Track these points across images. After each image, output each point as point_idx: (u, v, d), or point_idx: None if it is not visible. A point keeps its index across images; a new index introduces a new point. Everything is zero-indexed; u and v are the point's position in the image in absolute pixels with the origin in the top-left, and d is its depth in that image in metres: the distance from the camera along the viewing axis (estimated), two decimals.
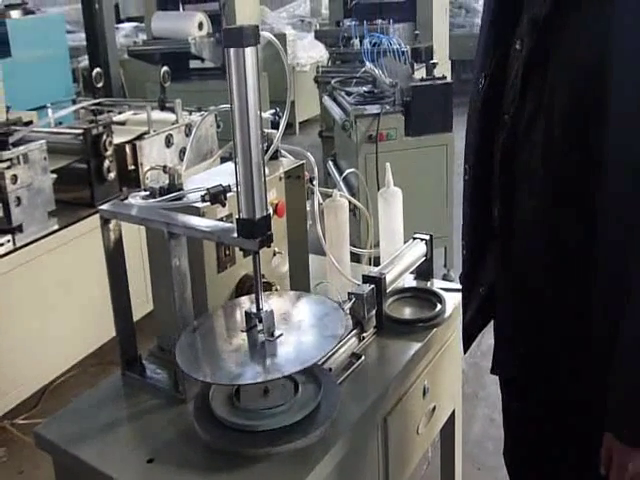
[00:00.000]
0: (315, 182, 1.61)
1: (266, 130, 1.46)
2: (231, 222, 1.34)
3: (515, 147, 1.21)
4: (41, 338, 2.75)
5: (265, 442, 1.17)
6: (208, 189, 1.25)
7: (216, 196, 1.23)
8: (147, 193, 1.38)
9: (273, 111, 1.58)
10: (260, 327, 1.25)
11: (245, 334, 1.26)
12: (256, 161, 1.11)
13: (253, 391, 1.25)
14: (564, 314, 1.21)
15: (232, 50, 1.10)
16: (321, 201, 1.65)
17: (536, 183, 1.18)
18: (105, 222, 1.36)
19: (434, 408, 1.58)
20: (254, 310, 1.25)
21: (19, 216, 2.66)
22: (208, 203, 1.29)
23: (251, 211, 1.12)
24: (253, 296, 1.28)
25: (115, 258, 1.38)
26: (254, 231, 1.12)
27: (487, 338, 2.95)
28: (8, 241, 2.63)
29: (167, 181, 1.39)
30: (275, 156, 1.56)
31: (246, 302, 1.35)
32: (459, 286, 1.67)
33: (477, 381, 2.87)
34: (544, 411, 1.30)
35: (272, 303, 1.28)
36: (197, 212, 1.30)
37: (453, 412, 1.76)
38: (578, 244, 1.16)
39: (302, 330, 1.28)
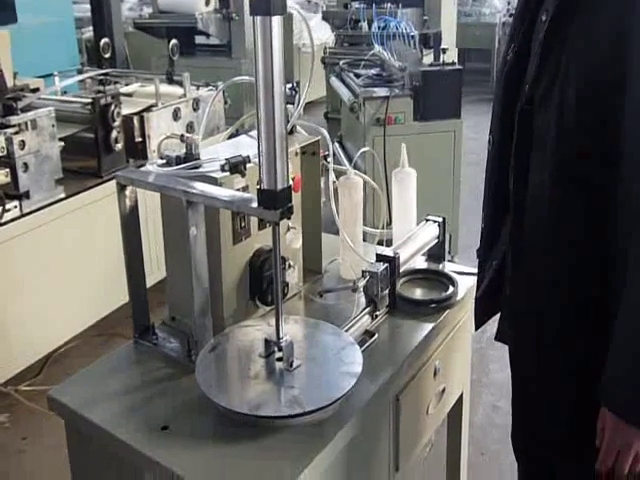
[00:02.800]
0: (330, 159, 1.61)
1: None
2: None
3: (532, 116, 1.24)
4: (46, 306, 2.76)
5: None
6: (227, 159, 1.24)
7: (236, 166, 1.22)
8: (163, 161, 1.37)
9: (290, 85, 1.57)
10: (278, 355, 1.26)
11: (263, 360, 1.27)
12: (279, 131, 1.10)
13: None
14: (567, 290, 1.23)
15: (259, 18, 1.09)
16: (334, 179, 1.65)
17: (549, 153, 1.20)
18: (122, 188, 1.35)
19: (444, 389, 1.59)
20: (274, 338, 1.26)
21: (26, 182, 2.66)
22: (227, 173, 1.28)
23: (272, 182, 1.11)
24: (271, 320, 1.30)
25: (131, 225, 1.38)
26: (275, 202, 1.12)
27: (493, 326, 2.96)
28: (15, 207, 2.63)
29: (184, 150, 1.38)
30: (291, 131, 1.55)
31: (262, 324, 1.37)
32: (471, 269, 1.69)
33: (482, 368, 2.88)
34: (546, 386, 1.32)
35: (289, 330, 1.28)
36: (214, 182, 1.30)
37: (461, 395, 1.76)
38: (585, 217, 1.19)
39: (319, 363, 1.29)
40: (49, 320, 2.78)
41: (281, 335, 1.25)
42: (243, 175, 1.25)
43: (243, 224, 1.41)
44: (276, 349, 1.26)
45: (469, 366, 1.80)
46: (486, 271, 1.44)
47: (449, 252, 3.71)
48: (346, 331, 1.39)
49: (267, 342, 1.27)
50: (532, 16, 1.27)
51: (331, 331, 1.37)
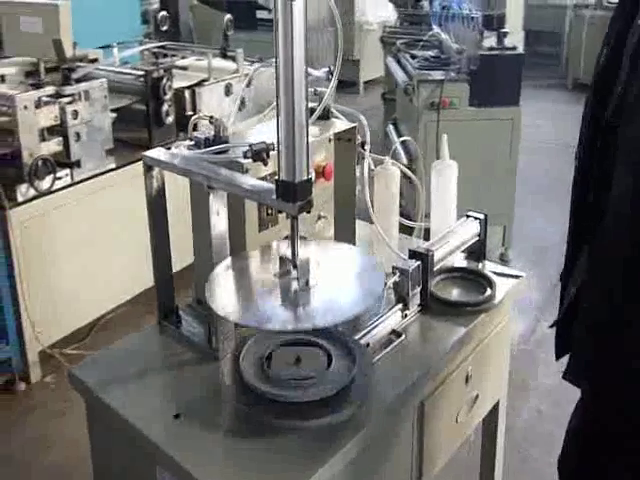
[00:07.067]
0: (367, 147, 1.53)
1: (318, 89, 1.40)
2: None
3: (621, 122, 1.13)
4: (95, 272, 2.81)
5: (292, 414, 1.13)
6: (251, 145, 1.19)
7: (258, 153, 1.17)
8: (192, 143, 1.34)
9: (327, 69, 1.50)
10: (295, 274, 1.18)
11: (278, 280, 1.19)
12: (299, 121, 1.04)
13: (284, 359, 1.21)
14: None
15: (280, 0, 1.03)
16: (372, 167, 1.58)
17: (636, 160, 1.10)
18: (148, 169, 1.33)
19: (477, 397, 1.51)
20: (289, 255, 1.18)
21: (78, 151, 2.70)
22: (250, 160, 1.23)
23: (291, 173, 1.06)
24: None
25: (156, 206, 1.36)
26: (294, 194, 1.06)
27: (542, 327, 2.81)
28: (66, 175, 2.68)
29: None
30: (326, 116, 1.49)
31: (283, 246, 1.28)
32: (514, 271, 1.59)
33: (528, 370, 2.77)
34: (614, 429, 1.21)
35: (309, 250, 1.20)
36: (240, 168, 1.25)
37: (498, 403, 1.68)
38: None
39: (338, 282, 1.21)
40: (97, 286, 2.83)
41: (296, 253, 1.16)
42: (265, 163, 1.20)
43: (270, 211, 1.36)
44: (291, 268, 1.18)
45: (506, 373, 1.71)
46: (566, 297, 1.34)
47: (502, 245, 3.60)
48: (372, 330, 1.33)
49: (282, 260, 1.19)
50: (627, 18, 1.16)
51: (354, 252, 1.30)
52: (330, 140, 1.46)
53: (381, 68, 5.42)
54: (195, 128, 2.91)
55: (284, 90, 1.03)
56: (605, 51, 1.22)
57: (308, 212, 1.09)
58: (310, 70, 1.51)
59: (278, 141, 1.06)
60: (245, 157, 1.19)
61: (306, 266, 1.16)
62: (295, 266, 1.16)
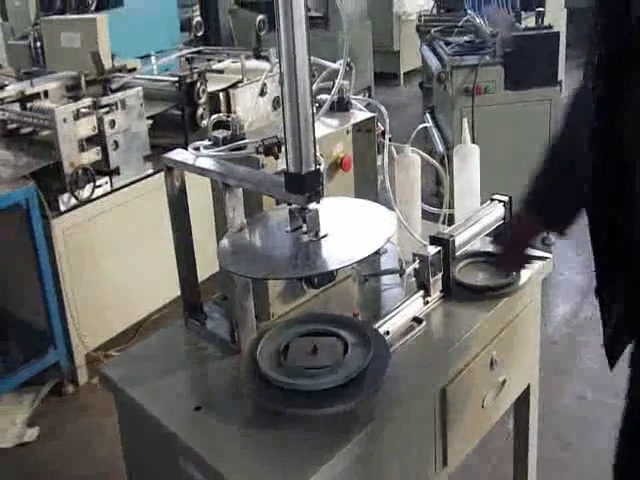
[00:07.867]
0: (387, 136, 1.53)
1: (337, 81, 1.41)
2: None
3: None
4: (137, 276, 2.89)
5: (306, 403, 1.14)
6: (262, 140, 1.21)
7: (269, 148, 1.19)
8: (210, 142, 1.37)
9: (342, 61, 1.50)
10: (305, 227, 1.19)
11: (290, 235, 1.20)
12: (304, 113, 1.05)
13: (301, 349, 1.22)
14: None
15: None
16: (395, 155, 1.58)
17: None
18: (169, 170, 1.37)
19: (504, 382, 1.49)
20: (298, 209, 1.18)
21: (116, 159, 2.78)
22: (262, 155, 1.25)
23: (298, 165, 1.07)
24: None
25: (178, 205, 1.39)
26: (302, 186, 1.08)
27: (585, 310, 2.73)
28: (106, 183, 2.77)
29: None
30: (345, 108, 1.50)
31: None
32: (540, 253, 1.56)
33: (571, 354, 2.70)
34: None
35: (320, 205, 1.18)
36: (256, 163, 1.28)
37: (528, 387, 1.66)
38: None
39: (348, 232, 1.22)
40: (140, 290, 2.91)
41: (305, 207, 1.16)
42: (276, 157, 1.22)
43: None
44: (302, 221, 1.19)
45: (537, 356, 1.68)
46: (611, 313, 1.20)
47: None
48: (392, 317, 1.33)
49: (292, 214, 1.20)
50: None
51: (363, 204, 1.32)
52: (348, 131, 1.47)
53: (419, 58, 5.36)
54: (228, 128, 2.93)
55: (288, 83, 1.04)
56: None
57: (317, 202, 1.10)
58: (326, 63, 1.53)
59: (285, 134, 1.07)
60: (257, 152, 1.21)
61: (315, 218, 1.17)
62: (304, 219, 1.17)
